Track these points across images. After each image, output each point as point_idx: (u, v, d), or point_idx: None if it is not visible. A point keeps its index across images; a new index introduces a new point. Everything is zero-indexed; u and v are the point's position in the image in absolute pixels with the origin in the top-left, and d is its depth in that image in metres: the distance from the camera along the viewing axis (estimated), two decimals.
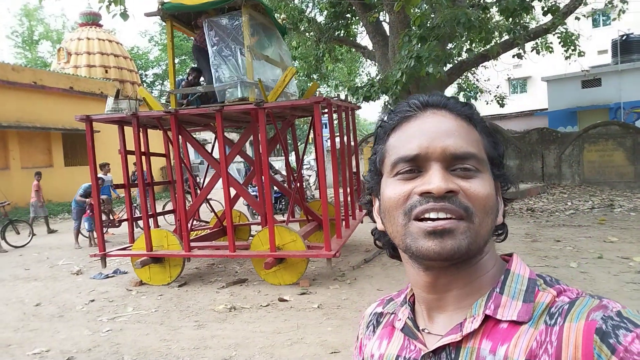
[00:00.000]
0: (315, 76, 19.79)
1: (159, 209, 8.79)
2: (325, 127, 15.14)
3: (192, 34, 7.18)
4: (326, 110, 6.47)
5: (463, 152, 0.62)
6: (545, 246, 6.96)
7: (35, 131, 15.90)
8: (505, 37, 12.15)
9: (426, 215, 0.60)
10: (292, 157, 15.00)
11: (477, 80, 17.61)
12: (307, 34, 16.49)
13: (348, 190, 7.29)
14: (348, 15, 16.27)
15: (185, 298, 5.59)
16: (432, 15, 10.08)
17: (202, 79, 6.70)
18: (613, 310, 0.53)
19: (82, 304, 5.62)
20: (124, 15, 6.98)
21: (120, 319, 5.01)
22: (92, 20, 21.14)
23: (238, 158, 10.30)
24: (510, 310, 0.60)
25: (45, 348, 4.29)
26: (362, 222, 7.80)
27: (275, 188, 8.80)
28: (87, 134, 6.28)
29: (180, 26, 6.88)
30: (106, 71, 20.37)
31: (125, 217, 7.55)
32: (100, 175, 8.53)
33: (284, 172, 9.05)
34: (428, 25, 9.59)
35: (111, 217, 10.28)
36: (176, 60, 27.22)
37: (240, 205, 10.74)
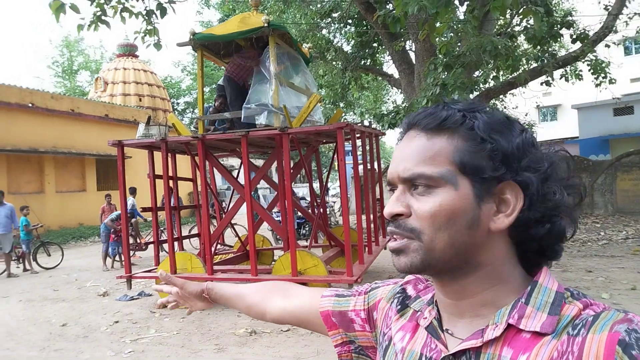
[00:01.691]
0: (341, 104, 20.01)
1: (185, 233, 8.92)
2: (349, 155, 15.26)
3: (222, 63, 7.43)
4: (350, 136, 6.52)
5: (409, 175, 0.65)
6: (576, 277, 6.71)
7: (71, 156, 16.52)
8: (533, 64, 12.08)
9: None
10: (318, 184, 15.08)
11: (505, 107, 17.47)
12: (333, 62, 16.79)
13: (371, 216, 7.26)
14: (374, 44, 16.51)
15: (206, 321, 5.60)
16: (459, 44, 10.13)
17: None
18: (638, 324, 0.53)
19: (106, 325, 5.70)
20: (158, 45, 7.29)
21: (142, 341, 5.05)
22: (128, 51, 22.09)
23: (264, 184, 10.42)
24: (534, 321, 0.61)
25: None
26: (385, 248, 7.71)
27: (299, 214, 8.84)
28: (118, 158, 6.49)
29: (211, 55, 7.14)
30: (140, 99, 21.13)
31: (151, 240, 7.69)
32: (130, 198, 8.76)
33: (309, 198, 9.11)
34: (454, 53, 9.64)
35: (138, 241, 10.48)
36: (206, 89, 28.15)
37: (265, 230, 10.79)
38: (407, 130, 0.70)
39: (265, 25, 6.03)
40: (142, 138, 6.60)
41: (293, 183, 9.87)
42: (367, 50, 16.47)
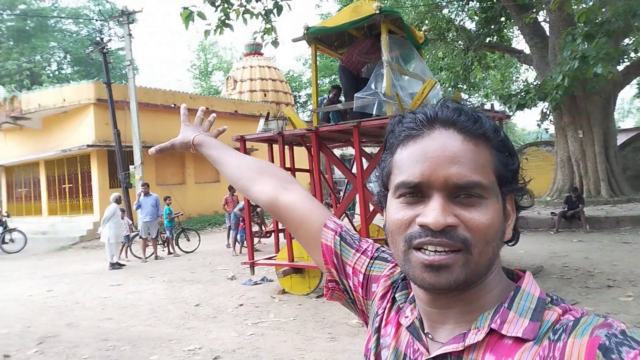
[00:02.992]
0: (464, 86, 18.94)
1: None
2: None
3: (336, 55, 7.47)
4: None
5: (466, 182, 0.60)
6: None
7: None
8: None
9: (424, 247, 0.60)
10: None
11: None
12: (454, 43, 15.91)
13: None
14: (501, 19, 15.25)
15: (321, 309, 5.72)
16: (603, 10, 8.85)
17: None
18: (617, 329, 0.53)
19: (232, 307, 6.15)
20: (275, 43, 7.59)
21: (262, 324, 5.34)
22: (254, 50, 23.52)
23: None
24: (516, 326, 0.60)
25: (198, 345, 4.77)
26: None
27: None
28: (241, 152, 6.91)
29: (325, 48, 7.22)
30: (265, 94, 22.42)
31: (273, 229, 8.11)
32: None
33: None
34: (596, 20, 8.47)
35: (262, 229, 11.15)
36: (326, 80, 28.79)
37: (380, 220, 10.71)
38: (434, 127, 0.63)
39: (377, 12, 5.89)
40: (261, 133, 6.94)
41: None
42: (492, 27, 15.31)
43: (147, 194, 10.73)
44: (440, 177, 0.60)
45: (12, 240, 14.18)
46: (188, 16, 6.36)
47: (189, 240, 11.65)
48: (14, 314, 6.49)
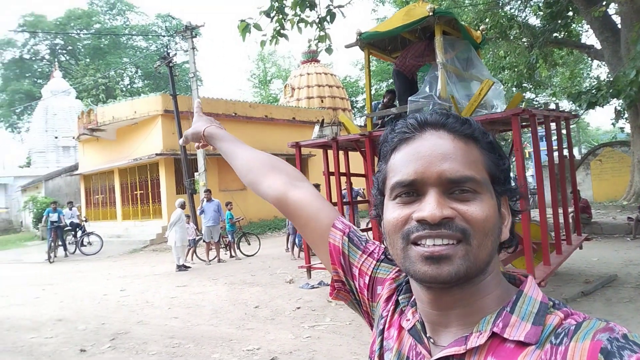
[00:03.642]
0: (529, 85, 18.16)
1: (363, 226, 9.26)
2: (542, 140, 13.64)
3: (390, 59, 7.46)
4: (530, 122, 5.85)
5: (459, 176, 0.62)
6: None
7: None
8: None
9: (423, 242, 0.62)
10: None
11: None
12: (518, 41, 15.29)
13: (560, 210, 6.40)
14: (568, 13, 14.48)
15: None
16: None
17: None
18: (619, 333, 0.54)
19: (290, 310, 6.27)
20: (329, 50, 7.70)
21: (319, 327, 5.42)
22: (311, 57, 23.86)
23: None
24: (518, 330, 0.60)
25: (257, 346, 4.92)
26: (580, 247, 6.73)
27: None
28: (296, 158, 7.07)
29: (378, 53, 7.22)
30: (322, 101, 22.68)
31: None
32: None
33: None
34: None
35: None
36: (383, 85, 28.60)
37: None
38: (424, 130, 0.66)
39: (430, 14, 5.83)
40: (316, 139, 7.06)
41: None
42: (559, 22, 14.56)
43: (209, 199, 11.20)
44: (433, 173, 0.62)
45: (89, 243, 15.29)
46: (245, 28, 6.61)
47: (249, 244, 12.01)
48: (91, 311, 7.01)
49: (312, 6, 7.38)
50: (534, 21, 16.17)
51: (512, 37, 15.09)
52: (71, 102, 32.23)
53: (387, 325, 0.76)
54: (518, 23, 14.61)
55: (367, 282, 0.84)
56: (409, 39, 6.76)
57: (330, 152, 7.03)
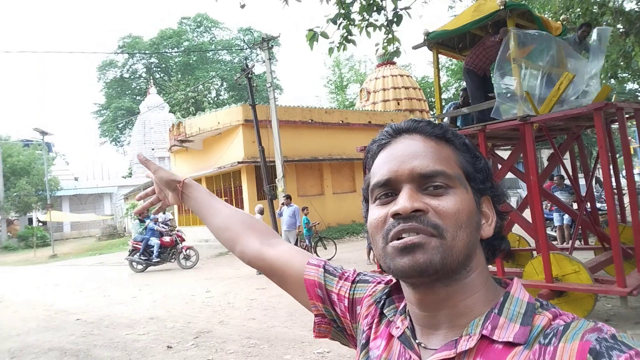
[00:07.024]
0: (626, 75, 16.60)
1: None
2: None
3: (460, 57, 7.23)
4: (617, 117, 5.37)
5: (430, 171, 0.65)
6: None
7: (342, 162, 18.82)
8: None
9: (399, 237, 0.64)
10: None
11: None
12: (611, 28, 14.04)
13: None
14: None
15: None
16: None
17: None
18: (607, 333, 0.55)
19: None
20: (397, 52, 7.63)
21: None
22: (386, 60, 23.68)
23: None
24: (507, 331, 0.61)
25: (327, 349, 5.01)
26: None
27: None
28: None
29: (448, 51, 7.05)
30: (398, 103, 22.40)
31: None
32: None
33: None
34: None
35: None
36: (463, 83, 27.58)
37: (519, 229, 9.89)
38: (399, 135, 0.70)
39: (502, 7, 5.58)
40: None
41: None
42: None
43: (288, 205, 11.53)
44: (405, 170, 0.66)
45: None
46: (312, 37, 6.76)
47: (326, 248, 12.18)
48: (179, 310, 7.54)
49: (380, 9, 7.37)
50: (630, 5, 14.76)
51: (604, 25, 13.89)
52: (165, 116, 34.94)
53: (371, 337, 0.77)
54: (610, 9, 13.42)
55: (347, 304, 0.85)
56: (479, 36, 6.51)
57: None
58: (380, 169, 0.68)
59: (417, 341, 0.69)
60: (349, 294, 0.86)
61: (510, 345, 0.60)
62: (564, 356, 0.54)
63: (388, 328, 0.75)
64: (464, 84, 7.03)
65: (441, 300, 0.66)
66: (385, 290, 0.81)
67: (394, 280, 0.81)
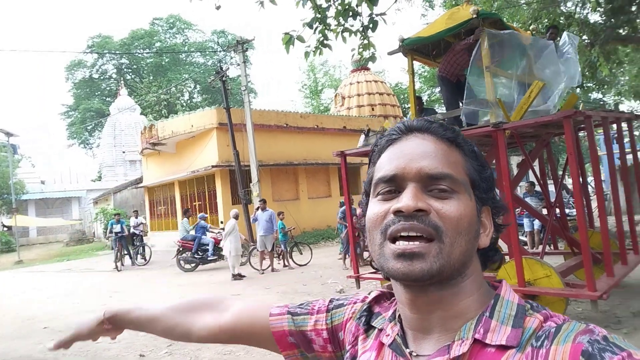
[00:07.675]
0: (592, 84, 17.21)
1: None
2: (615, 143, 12.80)
3: (434, 64, 7.34)
4: (585, 124, 5.55)
5: (437, 173, 0.65)
6: None
7: (318, 167, 18.83)
8: None
9: (398, 235, 0.63)
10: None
11: None
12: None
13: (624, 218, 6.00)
14: (632, 8, 13.62)
15: None
16: None
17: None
18: (599, 335, 0.55)
19: None
20: (373, 57, 7.69)
21: None
22: (360, 65, 23.89)
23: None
24: (499, 335, 0.61)
25: None
26: None
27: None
28: (342, 167, 7.06)
29: (422, 58, 7.14)
30: (372, 109, 22.61)
31: None
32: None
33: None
34: None
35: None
36: (436, 90, 28.04)
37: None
38: (411, 133, 0.70)
39: (474, 16, 5.70)
40: (362, 147, 7.07)
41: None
42: (621, 17, 13.71)
43: (264, 209, 11.44)
44: (413, 168, 0.65)
45: (142, 255, 15.79)
46: (288, 41, 6.75)
47: (301, 253, 12.14)
48: None
49: (355, 15, 7.43)
50: (595, 17, 15.34)
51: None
52: (136, 118, 34.22)
53: (359, 352, 0.75)
54: (577, 20, 13.92)
55: (326, 336, 0.83)
56: (453, 43, 6.63)
57: None
58: (387, 164, 0.68)
59: (408, 350, 0.68)
60: (327, 323, 0.83)
61: (503, 348, 0.60)
62: (557, 359, 0.54)
63: (378, 338, 0.74)
64: (437, 90, 7.13)
65: (433, 302, 0.65)
66: (364, 308, 0.80)
67: (370, 297, 0.81)
